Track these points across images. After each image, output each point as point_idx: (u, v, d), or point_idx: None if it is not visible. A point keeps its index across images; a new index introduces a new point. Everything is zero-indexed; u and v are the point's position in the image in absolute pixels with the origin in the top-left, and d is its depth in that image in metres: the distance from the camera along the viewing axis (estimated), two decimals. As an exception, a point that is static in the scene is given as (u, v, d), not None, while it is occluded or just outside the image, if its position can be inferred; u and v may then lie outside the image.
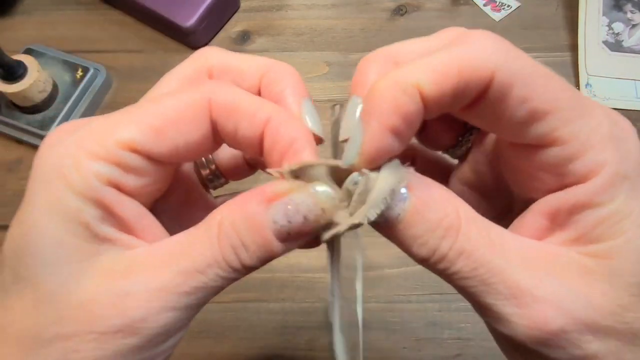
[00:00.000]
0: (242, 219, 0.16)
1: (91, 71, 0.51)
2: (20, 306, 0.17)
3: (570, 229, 0.17)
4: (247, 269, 0.17)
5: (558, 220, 0.17)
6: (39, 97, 0.48)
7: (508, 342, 0.17)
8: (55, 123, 0.49)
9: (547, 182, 0.17)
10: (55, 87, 0.50)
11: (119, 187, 0.17)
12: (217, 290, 0.17)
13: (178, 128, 0.17)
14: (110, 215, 0.17)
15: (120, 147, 0.17)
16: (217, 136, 0.18)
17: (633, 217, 0.16)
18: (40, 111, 0.49)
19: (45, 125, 0.49)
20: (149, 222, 0.18)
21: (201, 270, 0.16)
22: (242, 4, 0.58)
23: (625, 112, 0.50)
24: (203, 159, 0.22)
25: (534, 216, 0.17)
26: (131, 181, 0.17)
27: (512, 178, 0.19)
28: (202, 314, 0.44)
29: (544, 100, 0.17)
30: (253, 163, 0.23)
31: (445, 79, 0.16)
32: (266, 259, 0.17)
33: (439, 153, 0.23)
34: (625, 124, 0.18)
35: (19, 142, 0.51)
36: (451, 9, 0.57)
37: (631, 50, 0.53)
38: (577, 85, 0.52)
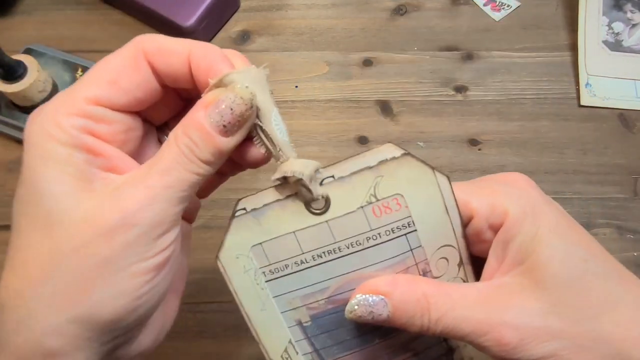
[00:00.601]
0: (189, 125, 0.21)
1: (91, 71, 0.52)
2: (35, 237, 0.21)
3: (505, 261, 0.23)
4: (207, 163, 0.22)
5: (499, 259, 0.23)
6: (38, 97, 0.48)
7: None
8: (55, 123, 0.49)
9: (487, 240, 0.24)
10: (55, 87, 0.50)
11: (95, 136, 0.22)
12: (190, 185, 0.21)
13: (126, 76, 0.22)
14: (95, 157, 0.21)
15: (87, 103, 0.21)
16: (159, 79, 0.23)
17: (537, 238, 0.22)
18: (40, 111, 0.50)
19: (45, 125, 0.49)
20: (130, 163, 0.23)
21: (171, 167, 0.21)
22: (242, 4, 0.58)
23: (625, 112, 0.51)
24: None
25: (489, 265, 0.24)
26: (104, 129, 0.22)
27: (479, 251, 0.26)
28: (202, 314, 0.45)
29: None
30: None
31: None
32: (217, 152, 0.22)
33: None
34: (514, 176, 0.25)
35: (19, 142, 0.51)
36: (451, 8, 0.57)
37: (631, 50, 0.53)
38: (577, 85, 0.52)
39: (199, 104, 0.22)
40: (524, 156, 0.49)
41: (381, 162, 0.23)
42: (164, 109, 0.25)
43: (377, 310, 0.23)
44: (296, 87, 0.52)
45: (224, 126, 0.21)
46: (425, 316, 0.23)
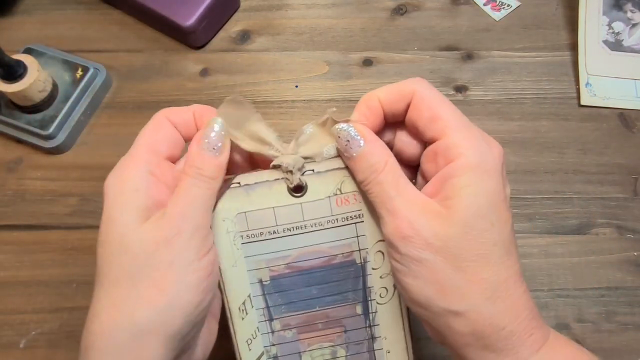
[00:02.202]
0: (192, 158, 0.29)
1: (91, 71, 0.52)
2: (114, 260, 0.27)
3: (439, 191, 0.27)
4: (213, 178, 0.29)
5: (437, 187, 0.28)
6: (38, 96, 0.48)
7: (386, 240, 0.28)
8: (55, 122, 0.49)
9: (438, 165, 0.28)
10: (55, 86, 0.50)
11: (153, 175, 0.28)
12: (208, 197, 0.28)
13: (159, 132, 0.30)
14: (156, 190, 0.28)
15: (145, 153, 0.29)
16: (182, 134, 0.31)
17: (470, 189, 0.26)
18: (40, 111, 0.50)
19: (45, 124, 0.49)
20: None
21: (190, 189, 0.28)
22: (242, 4, 0.58)
23: (625, 112, 0.51)
24: None
25: (429, 184, 0.29)
26: (160, 172, 0.29)
27: (426, 170, 0.30)
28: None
29: (439, 110, 0.28)
30: (253, 163, 0.33)
31: (390, 91, 0.30)
32: (217, 168, 0.29)
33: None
34: (494, 143, 0.29)
35: (19, 141, 0.51)
36: (451, 8, 0.57)
37: (631, 50, 0.53)
38: (577, 84, 0.52)
39: (192, 142, 0.29)
40: (524, 156, 0.49)
41: None
42: None
43: (354, 143, 0.29)
44: (296, 86, 0.52)
45: (214, 148, 0.29)
46: (374, 174, 0.28)
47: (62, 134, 0.50)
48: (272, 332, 0.32)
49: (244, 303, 0.31)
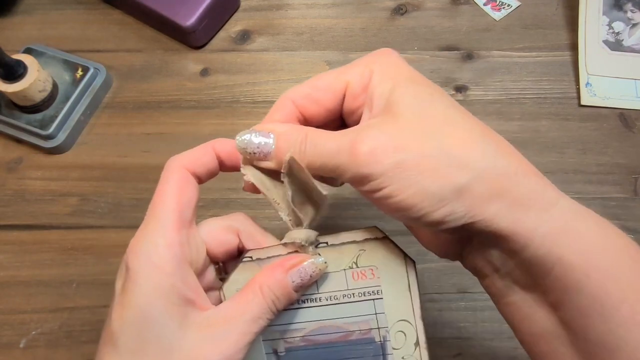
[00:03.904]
0: (274, 283, 0.27)
1: (91, 71, 0.52)
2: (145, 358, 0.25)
3: (372, 110, 0.26)
4: (279, 311, 0.27)
5: (369, 110, 0.27)
6: (39, 96, 0.48)
7: (355, 181, 0.25)
8: (55, 122, 0.49)
9: (361, 103, 0.27)
10: (55, 86, 0.50)
11: (185, 260, 0.26)
12: (265, 329, 0.27)
13: (183, 196, 0.27)
14: (187, 284, 0.26)
15: (176, 231, 0.26)
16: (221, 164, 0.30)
17: (394, 85, 0.26)
18: (40, 111, 0.50)
19: (45, 124, 0.49)
20: (202, 295, 0.27)
21: (259, 317, 0.26)
22: (242, 3, 0.58)
23: (625, 112, 0.50)
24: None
25: (362, 118, 0.28)
26: (187, 253, 0.26)
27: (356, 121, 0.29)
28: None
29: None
30: (240, 250, 0.31)
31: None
32: (289, 303, 0.28)
33: None
34: (380, 50, 0.28)
35: (19, 141, 0.51)
36: (451, 8, 0.57)
37: (631, 50, 0.53)
38: (577, 84, 0.52)
39: (281, 265, 0.27)
40: (524, 156, 0.49)
41: (366, 240, 0.29)
42: None
43: (264, 147, 0.27)
44: (296, 86, 0.52)
45: (301, 286, 0.27)
46: (302, 144, 0.26)
47: (62, 134, 0.50)
48: None
49: None
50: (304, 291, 0.28)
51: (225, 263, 0.31)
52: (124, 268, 0.26)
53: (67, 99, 0.50)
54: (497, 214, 0.24)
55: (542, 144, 0.49)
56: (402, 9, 0.57)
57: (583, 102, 0.51)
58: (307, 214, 0.29)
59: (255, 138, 0.27)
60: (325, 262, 0.28)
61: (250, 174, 0.28)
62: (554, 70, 0.53)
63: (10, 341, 0.43)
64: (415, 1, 0.58)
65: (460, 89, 0.52)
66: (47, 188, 0.49)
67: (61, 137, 0.50)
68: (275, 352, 0.30)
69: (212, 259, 0.30)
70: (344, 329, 0.30)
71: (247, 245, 0.30)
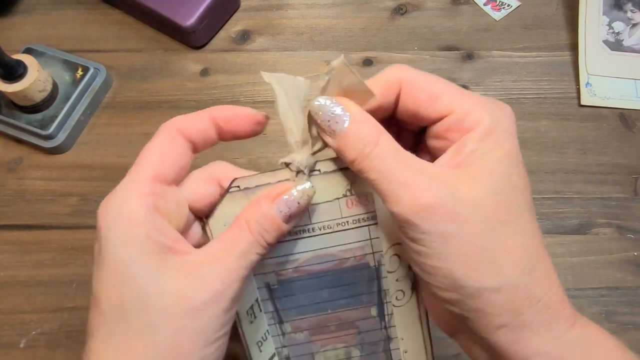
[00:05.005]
0: (261, 215, 0.25)
1: (91, 71, 0.52)
2: (126, 314, 0.23)
3: (457, 162, 0.25)
4: (270, 245, 0.26)
5: (452, 158, 0.25)
6: (39, 96, 0.48)
7: (399, 219, 0.24)
8: (55, 122, 0.49)
9: (451, 139, 0.25)
10: (55, 86, 0.50)
11: (159, 212, 0.25)
12: (257, 263, 0.25)
13: (169, 152, 0.26)
14: (163, 232, 0.24)
15: (149, 183, 0.25)
16: (195, 150, 0.27)
17: (493, 153, 0.24)
18: (40, 111, 0.50)
19: (45, 124, 0.49)
20: (183, 243, 0.26)
21: (247, 251, 0.25)
22: (242, 3, 0.58)
23: (625, 112, 0.50)
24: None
25: (443, 157, 0.26)
26: (163, 205, 0.25)
27: (436, 149, 0.27)
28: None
29: (436, 88, 0.26)
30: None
31: (375, 85, 0.27)
32: (280, 235, 0.26)
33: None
34: (503, 105, 0.26)
35: (19, 141, 0.51)
36: (451, 8, 0.57)
37: (631, 50, 0.53)
38: (577, 84, 0.52)
39: (267, 196, 0.26)
40: (524, 156, 0.48)
41: None
42: None
43: (338, 119, 0.25)
44: (296, 86, 0.52)
45: (290, 216, 0.26)
46: (369, 147, 0.24)
47: (62, 134, 0.50)
48: (283, 334, 0.31)
49: (251, 307, 0.30)
50: (296, 222, 0.27)
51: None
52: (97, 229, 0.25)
53: (67, 99, 0.50)
54: (500, 328, 0.23)
55: (542, 144, 0.49)
56: (402, 9, 0.57)
57: (583, 102, 0.51)
58: (317, 143, 0.27)
59: (335, 107, 0.25)
60: (313, 188, 0.26)
61: (274, 83, 0.27)
62: (554, 70, 0.53)
63: (10, 341, 0.43)
64: (415, 1, 0.58)
65: (460, 89, 0.52)
66: (47, 188, 0.49)
67: (61, 137, 0.50)
68: (268, 285, 0.30)
69: (197, 215, 0.28)
70: (338, 256, 0.29)
71: (203, 147, 0.28)
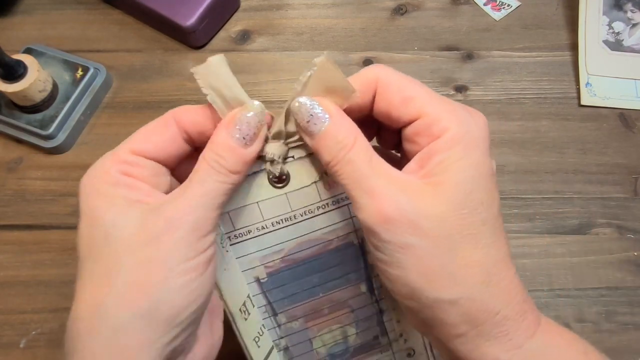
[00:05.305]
0: (215, 143, 0.25)
1: (91, 71, 0.52)
2: (97, 254, 0.24)
3: (424, 168, 0.25)
4: (235, 172, 0.25)
5: (420, 165, 0.25)
6: (39, 96, 0.48)
7: (363, 226, 0.25)
8: (55, 122, 0.49)
9: (420, 144, 0.26)
10: (55, 86, 0.50)
11: (132, 176, 0.26)
12: (223, 192, 0.25)
13: (157, 133, 0.27)
14: (132, 190, 0.25)
15: (126, 153, 0.26)
16: (189, 140, 0.28)
17: (459, 164, 0.24)
18: (40, 111, 0.50)
19: (45, 124, 0.49)
20: (161, 195, 0.26)
21: (204, 179, 0.25)
22: (243, 3, 0.58)
23: (625, 112, 0.51)
24: None
25: (411, 163, 0.26)
26: (138, 172, 0.26)
27: (408, 151, 0.27)
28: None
29: (410, 91, 0.26)
30: (197, 146, 0.30)
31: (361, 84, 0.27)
32: (242, 162, 0.26)
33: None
34: (476, 113, 0.26)
35: (19, 141, 0.51)
36: (451, 8, 0.57)
37: (631, 50, 0.53)
38: (577, 84, 0.52)
39: (220, 126, 0.26)
40: (524, 156, 0.49)
41: None
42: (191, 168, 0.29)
43: (317, 119, 0.25)
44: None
45: (244, 138, 0.25)
46: (343, 151, 0.25)
47: (62, 134, 0.50)
48: (279, 325, 0.32)
49: (244, 304, 0.30)
50: (258, 145, 0.26)
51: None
52: None
53: (67, 99, 0.50)
54: (458, 337, 0.24)
55: (542, 144, 0.49)
56: (402, 9, 0.57)
57: (583, 102, 0.51)
58: (293, 137, 0.27)
59: (315, 108, 0.26)
60: (261, 105, 0.26)
61: (200, 80, 0.27)
62: (554, 70, 0.53)
63: (10, 341, 0.43)
64: (415, 1, 0.58)
65: (460, 89, 0.52)
66: (47, 188, 0.49)
67: (61, 137, 0.50)
68: (257, 279, 0.30)
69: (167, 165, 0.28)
70: (323, 239, 0.30)
71: (199, 140, 0.28)
